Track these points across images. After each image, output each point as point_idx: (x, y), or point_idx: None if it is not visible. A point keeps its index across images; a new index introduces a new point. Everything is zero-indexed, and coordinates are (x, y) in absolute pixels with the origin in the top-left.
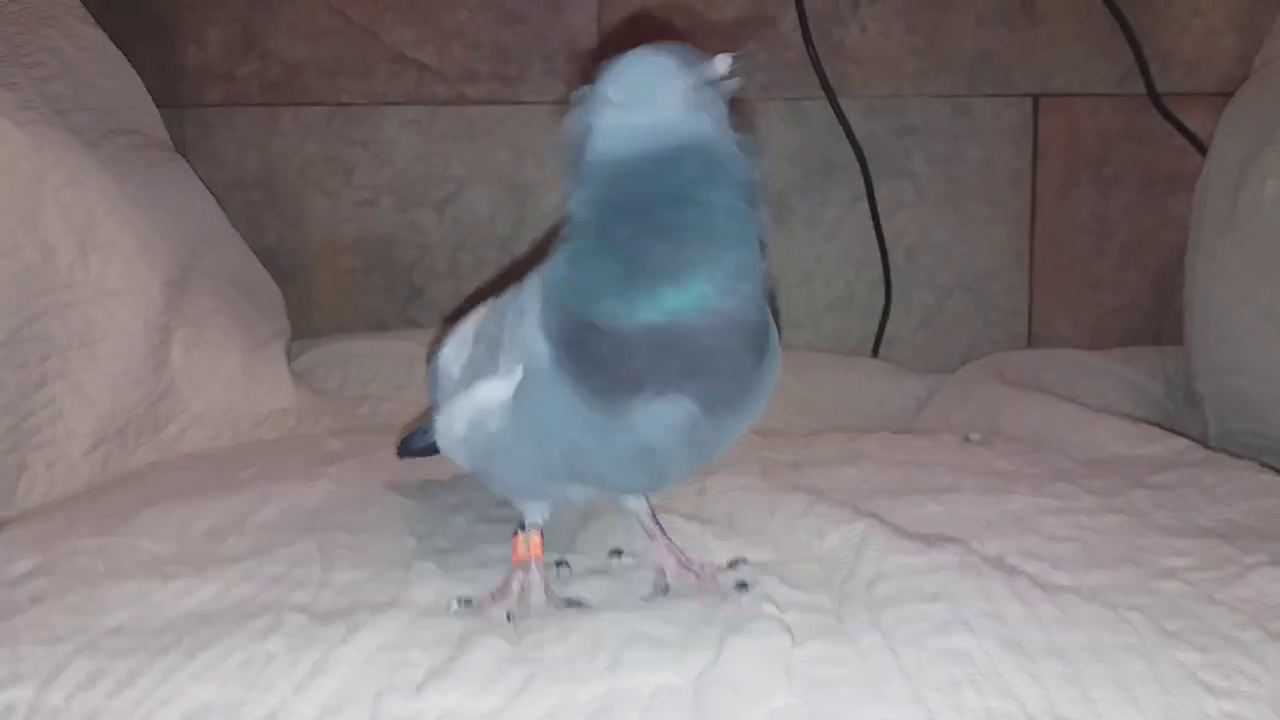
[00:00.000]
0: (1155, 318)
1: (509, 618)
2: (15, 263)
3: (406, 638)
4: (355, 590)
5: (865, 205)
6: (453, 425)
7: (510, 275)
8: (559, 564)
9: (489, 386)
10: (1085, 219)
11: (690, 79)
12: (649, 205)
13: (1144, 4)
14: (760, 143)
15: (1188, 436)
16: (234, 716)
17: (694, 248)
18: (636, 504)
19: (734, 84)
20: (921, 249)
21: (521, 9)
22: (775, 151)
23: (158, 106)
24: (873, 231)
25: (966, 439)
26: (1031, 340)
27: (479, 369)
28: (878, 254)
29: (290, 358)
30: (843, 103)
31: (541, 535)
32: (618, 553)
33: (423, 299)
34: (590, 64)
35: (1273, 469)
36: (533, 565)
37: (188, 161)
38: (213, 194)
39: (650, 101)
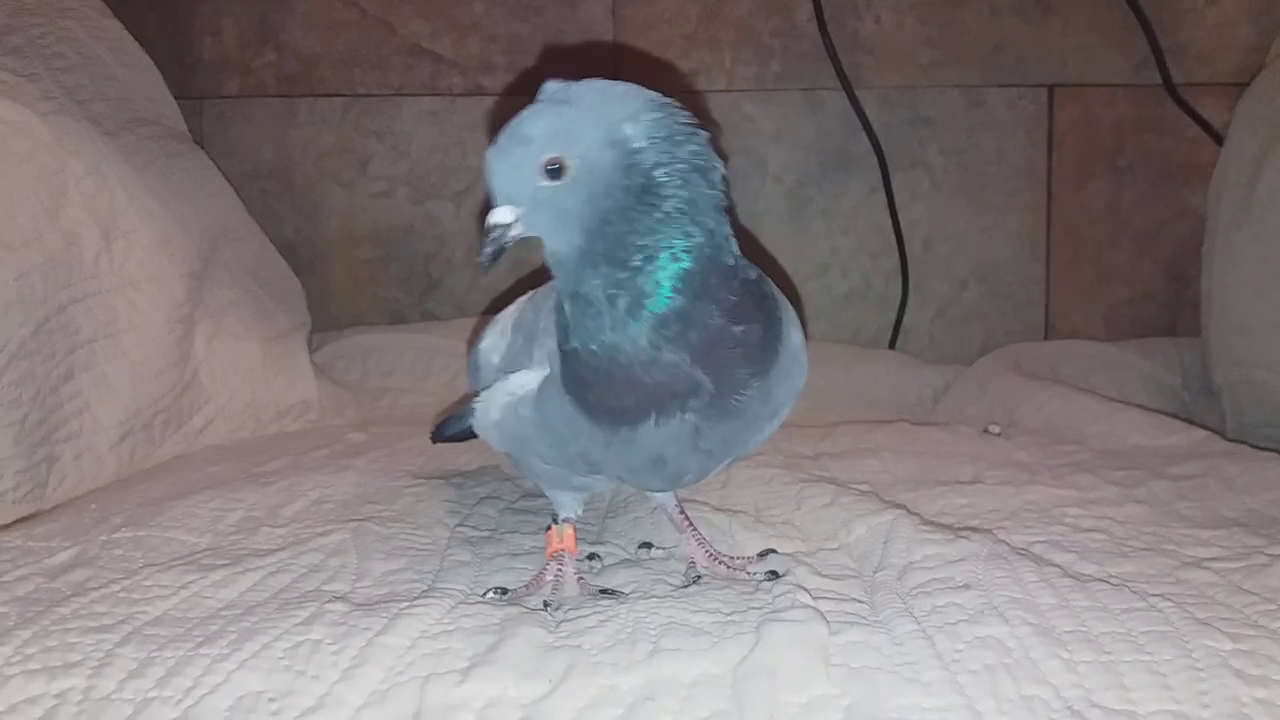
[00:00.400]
0: (1170, 308)
1: (546, 606)
2: (40, 253)
3: (447, 626)
4: (392, 580)
5: (881, 196)
6: (489, 410)
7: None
8: (590, 557)
9: (522, 376)
10: (1100, 210)
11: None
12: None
13: None
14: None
15: (1206, 428)
16: (282, 705)
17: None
18: (665, 497)
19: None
20: (937, 240)
21: (537, 1)
22: (791, 142)
23: (175, 98)
24: (889, 222)
25: (985, 430)
26: (1047, 331)
27: (516, 358)
28: (894, 245)
29: (310, 350)
30: (858, 94)
31: (574, 529)
32: (647, 545)
33: (440, 290)
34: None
35: None
36: (566, 557)
37: (205, 153)
38: (230, 185)
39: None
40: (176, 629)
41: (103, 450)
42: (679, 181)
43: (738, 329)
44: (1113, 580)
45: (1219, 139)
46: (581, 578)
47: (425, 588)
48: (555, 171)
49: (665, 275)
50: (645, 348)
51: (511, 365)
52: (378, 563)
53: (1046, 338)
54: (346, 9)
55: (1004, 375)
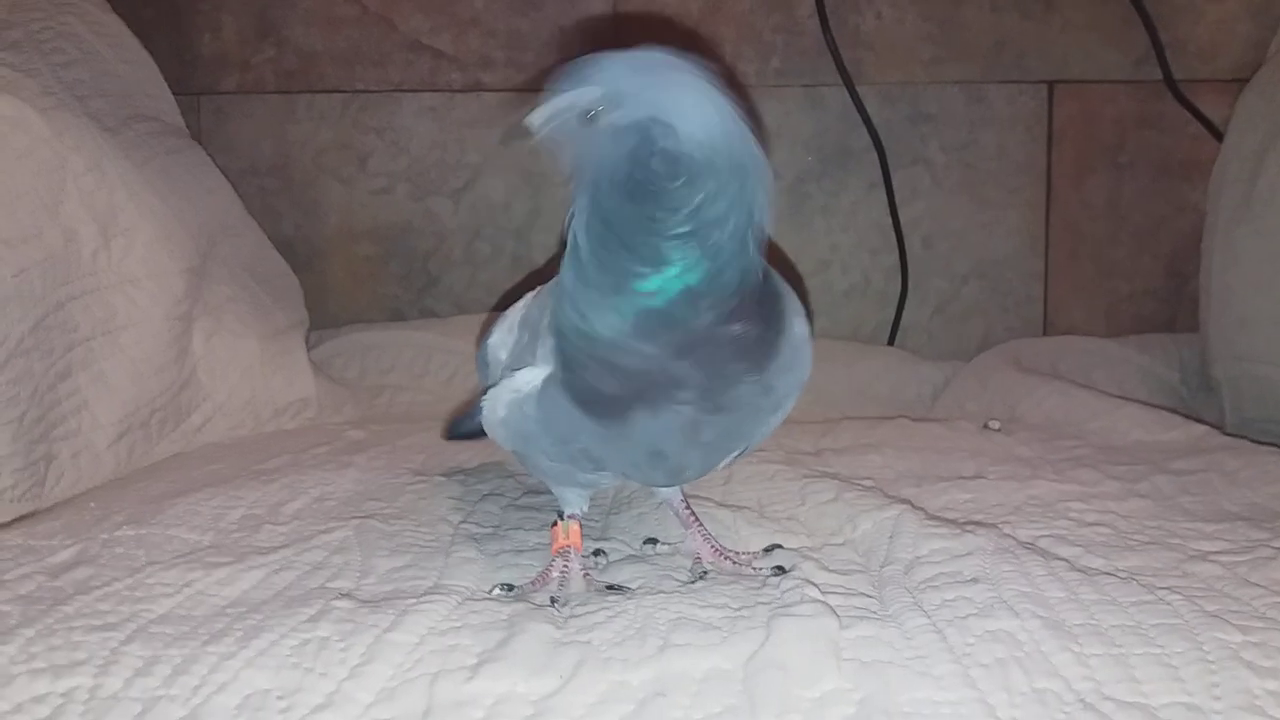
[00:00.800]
0: (1170, 304)
1: (553, 603)
2: (39, 250)
3: (455, 623)
4: (397, 577)
5: (881, 192)
6: (496, 408)
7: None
8: (595, 553)
9: (526, 373)
10: (1100, 206)
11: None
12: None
13: None
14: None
15: (1206, 422)
16: (291, 702)
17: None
18: (670, 492)
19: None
20: (937, 236)
21: None
22: (792, 138)
23: (174, 94)
24: (889, 219)
25: (986, 426)
26: (1047, 327)
27: (521, 355)
28: (894, 241)
29: (308, 347)
30: (859, 90)
31: (580, 525)
32: (652, 541)
33: (439, 287)
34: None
35: None
36: (572, 553)
37: (203, 149)
38: (228, 181)
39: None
40: (182, 627)
41: (101, 448)
42: (724, 208)
43: (732, 328)
44: (1120, 574)
45: (1219, 135)
46: (588, 574)
47: (431, 584)
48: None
49: (667, 281)
50: (625, 333)
51: (517, 362)
52: (382, 559)
53: (1046, 334)
54: (347, 5)
55: (1004, 371)
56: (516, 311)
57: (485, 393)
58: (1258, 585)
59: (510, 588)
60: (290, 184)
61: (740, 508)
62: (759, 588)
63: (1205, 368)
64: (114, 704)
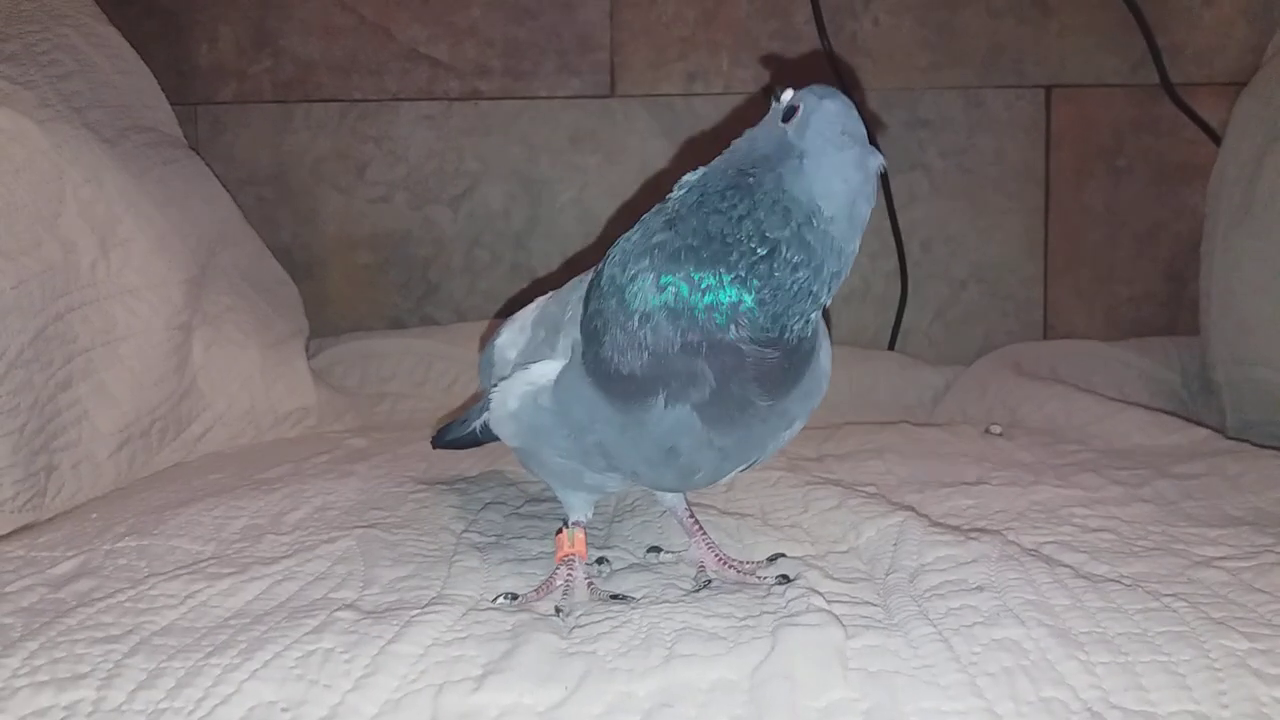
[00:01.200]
0: (1169, 307)
1: (557, 612)
2: (39, 261)
3: (459, 633)
4: (400, 587)
5: (880, 198)
6: (506, 401)
7: (524, 270)
8: (599, 561)
9: (543, 365)
10: (1099, 210)
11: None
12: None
13: None
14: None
15: (1207, 426)
16: (296, 714)
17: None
18: (674, 500)
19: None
20: (936, 241)
21: (534, 5)
22: None
23: (171, 104)
24: (888, 224)
25: (987, 431)
26: (1046, 331)
27: (537, 351)
28: (893, 246)
29: (309, 356)
30: (857, 96)
31: (585, 532)
32: (656, 549)
33: (438, 295)
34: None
35: None
36: (576, 561)
37: (201, 159)
38: (226, 191)
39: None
40: (185, 639)
41: (101, 458)
42: (801, 264)
43: (763, 364)
44: (1125, 580)
45: (1217, 138)
46: (591, 583)
47: (434, 595)
48: (789, 112)
49: (726, 297)
50: (661, 319)
51: (532, 358)
52: (385, 570)
53: (1045, 338)
54: (344, 14)
55: (1004, 376)
56: (529, 313)
57: (484, 397)
58: (1263, 591)
59: (514, 597)
60: (288, 193)
61: (744, 515)
62: (764, 597)
63: (1206, 371)
64: (117, 717)
